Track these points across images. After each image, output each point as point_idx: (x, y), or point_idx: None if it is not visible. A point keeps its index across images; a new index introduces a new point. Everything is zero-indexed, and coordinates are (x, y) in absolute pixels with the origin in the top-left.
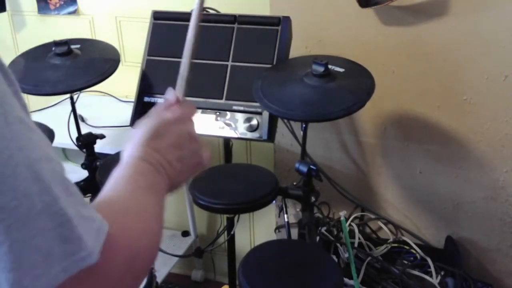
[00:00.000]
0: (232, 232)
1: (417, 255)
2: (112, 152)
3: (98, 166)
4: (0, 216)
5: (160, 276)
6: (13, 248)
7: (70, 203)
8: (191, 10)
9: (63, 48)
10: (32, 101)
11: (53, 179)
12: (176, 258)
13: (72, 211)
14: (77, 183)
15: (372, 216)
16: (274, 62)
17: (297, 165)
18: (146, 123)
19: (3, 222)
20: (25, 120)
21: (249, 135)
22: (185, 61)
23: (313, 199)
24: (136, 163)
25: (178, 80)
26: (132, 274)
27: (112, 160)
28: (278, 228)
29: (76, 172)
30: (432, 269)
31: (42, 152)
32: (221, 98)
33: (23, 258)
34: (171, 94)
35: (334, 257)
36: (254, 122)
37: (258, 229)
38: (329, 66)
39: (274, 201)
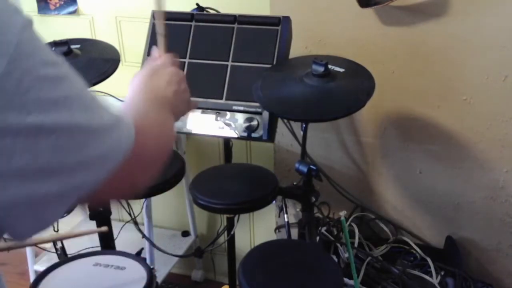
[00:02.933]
0: (232, 232)
1: (417, 255)
2: None
3: None
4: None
5: (160, 276)
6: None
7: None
8: (192, 10)
9: (63, 48)
10: None
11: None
12: (176, 258)
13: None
14: None
15: (372, 216)
16: (274, 62)
17: (297, 165)
18: (141, 71)
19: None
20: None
21: (249, 135)
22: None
23: (313, 199)
24: (142, 96)
25: (157, 38)
26: (141, 168)
27: None
28: (278, 228)
29: None
30: (432, 269)
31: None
32: (221, 98)
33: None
34: (155, 51)
35: (334, 257)
36: (254, 122)
37: (258, 229)
38: (329, 66)
39: (274, 201)
